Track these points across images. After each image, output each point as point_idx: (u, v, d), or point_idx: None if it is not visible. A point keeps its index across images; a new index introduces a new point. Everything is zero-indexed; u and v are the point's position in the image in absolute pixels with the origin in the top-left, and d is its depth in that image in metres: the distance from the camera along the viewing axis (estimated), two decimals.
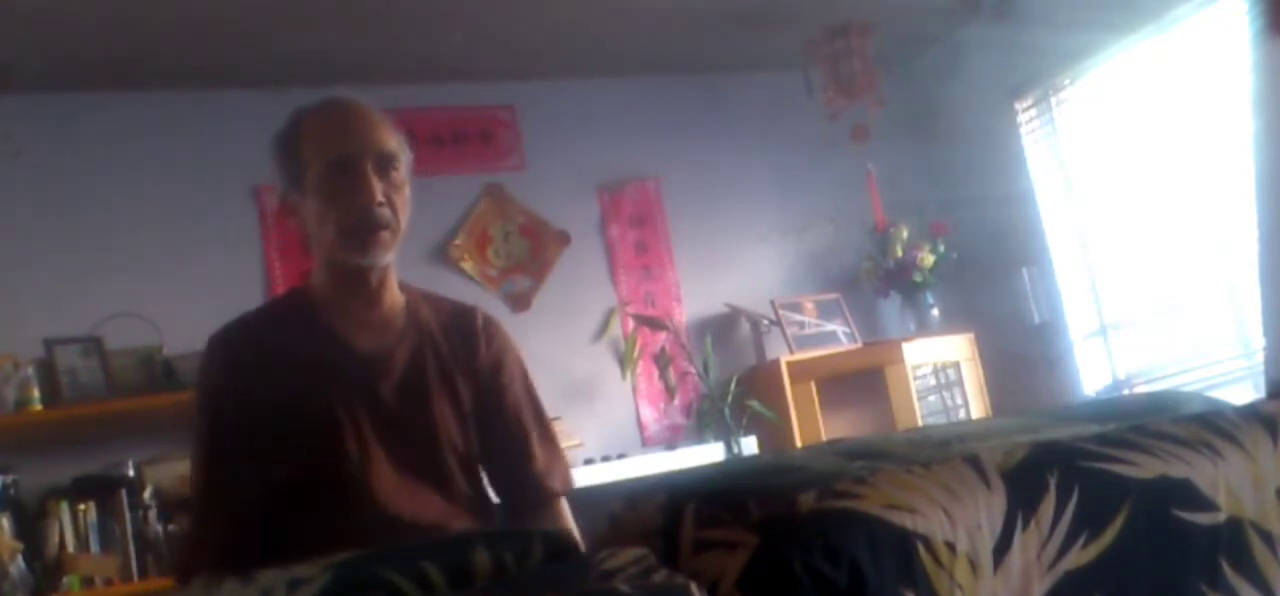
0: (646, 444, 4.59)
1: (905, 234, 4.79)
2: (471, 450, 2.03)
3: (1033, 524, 1.02)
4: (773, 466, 1.11)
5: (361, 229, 1.89)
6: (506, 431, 2.06)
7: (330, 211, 1.89)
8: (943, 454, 1.07)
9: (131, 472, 3.74)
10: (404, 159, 1.96)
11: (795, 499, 0.96)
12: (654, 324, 4.59)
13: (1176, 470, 1.12)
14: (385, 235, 1.91)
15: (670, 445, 4.52)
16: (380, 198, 1.89)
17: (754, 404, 4.52)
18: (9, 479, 3.62)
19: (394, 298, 2.01)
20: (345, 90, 2.01)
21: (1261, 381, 3.29)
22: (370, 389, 1.93)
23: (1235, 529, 1.13)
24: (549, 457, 2.10)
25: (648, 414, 4.67)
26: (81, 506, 3.64)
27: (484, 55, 4.42)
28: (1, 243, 3.89)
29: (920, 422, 4.37)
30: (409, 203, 1.96)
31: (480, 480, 2.08)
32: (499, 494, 2.11)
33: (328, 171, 1.89)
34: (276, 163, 1.97)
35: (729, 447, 4.38)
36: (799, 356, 4.62)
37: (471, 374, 2.03)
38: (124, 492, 3.68)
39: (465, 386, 2.02)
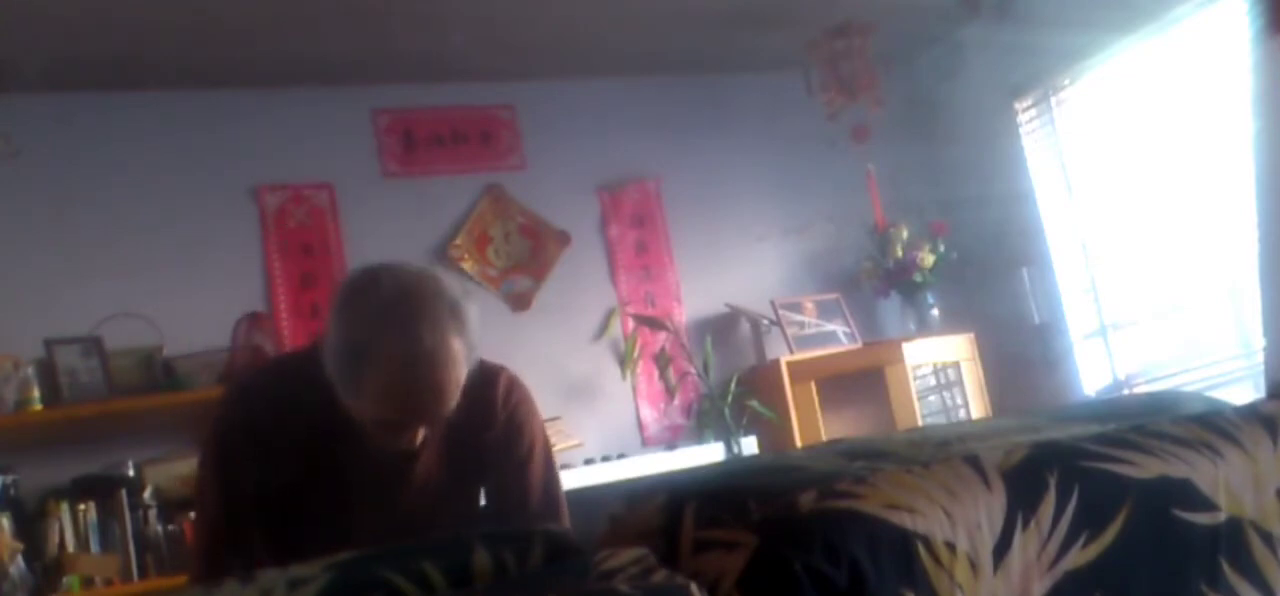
0: (646, 444, 4.58)
1: (905, 234, 4.78)
2: (475, 517, 2.05)
3: (1033, 524, 1.02)
4: (773, 466, 1.11)
5: (394, 448, 1.92)
6: (510, 500, 2.05)
7: (374, 434, 1.88)
8: (943, 454, 1.07)
9: (131, 472, 3.74)
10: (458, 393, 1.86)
11: (795, 499, 0.96)
12: (654, 324, 4.59)
13: (1176, 470, 1.11)
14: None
15: (670, 445, 4.51)
16: (421, 440, 1.92)
17: (754, 404, 4.52)
18: (9, 479, 3.61)
19: None
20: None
21: (1261, 381, 3.29)
22: (376, 460, 1.93)
23: (1235, 529, 1.13)
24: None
25: (648, 414, 4.66)
26: (81, 506, 3.64)
27: (484, 55, 4.42)
28: (1, 243, 3.88)
29: (920, 422, 4.36)
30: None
31: None
32: None
33: (381, 420, 1.87)
34: (331, 357, 1.85)
35: (729, 447, 4.37)
36: (799, 356, 4.62)
37: (484, 441, 2.02)
38: (124, 492, 3.68)
39: (475, 454, 2.02)
